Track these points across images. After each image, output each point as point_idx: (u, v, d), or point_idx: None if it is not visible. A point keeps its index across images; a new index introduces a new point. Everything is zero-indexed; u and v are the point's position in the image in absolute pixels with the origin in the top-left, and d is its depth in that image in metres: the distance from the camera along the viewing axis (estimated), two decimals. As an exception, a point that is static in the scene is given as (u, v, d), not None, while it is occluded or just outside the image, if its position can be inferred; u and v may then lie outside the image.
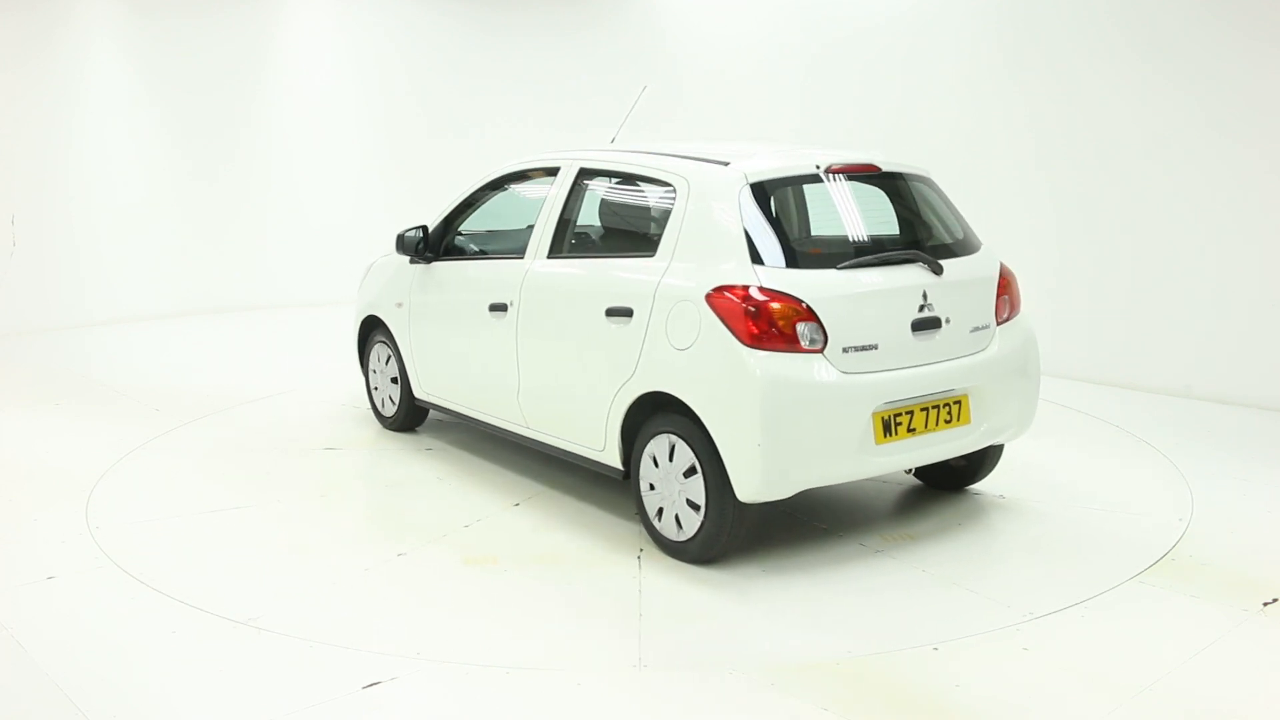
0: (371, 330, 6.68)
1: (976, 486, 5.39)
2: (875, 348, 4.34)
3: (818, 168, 4.67)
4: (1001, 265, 4.95)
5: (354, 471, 5.88)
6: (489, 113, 11.55)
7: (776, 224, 4.57)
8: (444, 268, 5.96)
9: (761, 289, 4.23)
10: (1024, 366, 4.90)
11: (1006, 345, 4.81)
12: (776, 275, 4.29)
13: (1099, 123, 7.69)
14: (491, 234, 6.22)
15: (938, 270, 4.57)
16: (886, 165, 4.88)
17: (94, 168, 10.14)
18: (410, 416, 6.46)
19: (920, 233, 4.91)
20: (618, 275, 4.80)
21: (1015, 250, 8.18)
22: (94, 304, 10.15)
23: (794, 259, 4.40)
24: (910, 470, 5.11)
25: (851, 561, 4.55)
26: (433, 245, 6.01)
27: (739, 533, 4.45)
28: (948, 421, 4.57)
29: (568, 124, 11.05)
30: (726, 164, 4.61)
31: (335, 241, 11.38)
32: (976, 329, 4.70)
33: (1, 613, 4.04)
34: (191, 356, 8.87)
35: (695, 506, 4.44)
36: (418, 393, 6.24)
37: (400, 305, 6.26)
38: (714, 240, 4.44)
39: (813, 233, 5.13)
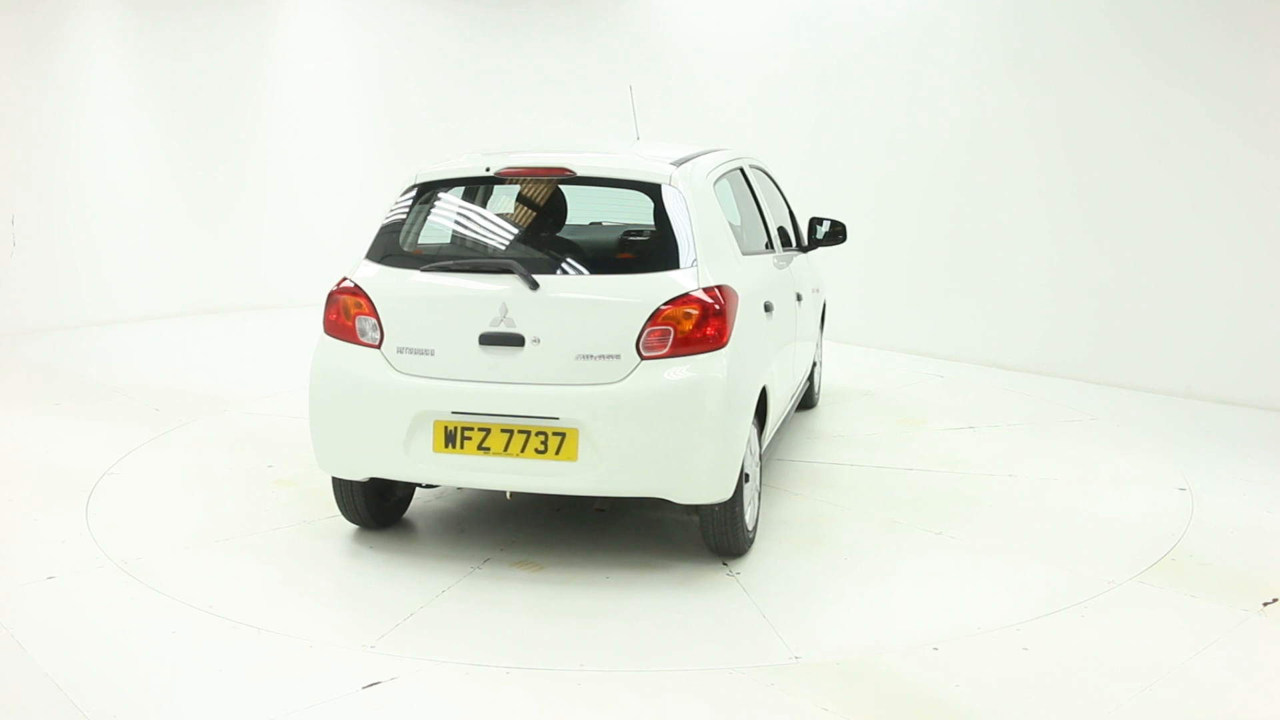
0: None
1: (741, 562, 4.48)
2: (431, 353, 4.28)
3: (488, 170, 4.68)
4: (694, 295, 4.16)
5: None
6: (490, 111, 11.53)
7: (412, 223, 4.74)
8: None
9: (346, 281, 4.52)
10: (681, 414, 4.12)
11: (653, 384, 4.10)
12: (369, 271, 4.53)
13: (1099, 124, 7.69)
14: None
15: (532, 285, 4.21)
16: (587, 170, 4.62)
17: (94, 168, 10.12)
18: None
19: (568, 241, 4.73)
20: None
21: (1016, 251, 8.25)
22: (93, 304, 10.13)
23: (395, 257, 4.58)
24: (510, 494, 4.57)
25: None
26: None
27: (358, 506, 4.67)
28: (539, 452, 4.16)
29: (572, 120, 11.05)
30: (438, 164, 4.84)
31: (335, 241, 11.36)
32: (591, 356, 4.13)
33: (1, 613, 4.04)
34: (191, 356, 8.86)
35: None
36: None
37: None
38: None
39: (456, 234, 4.96)
